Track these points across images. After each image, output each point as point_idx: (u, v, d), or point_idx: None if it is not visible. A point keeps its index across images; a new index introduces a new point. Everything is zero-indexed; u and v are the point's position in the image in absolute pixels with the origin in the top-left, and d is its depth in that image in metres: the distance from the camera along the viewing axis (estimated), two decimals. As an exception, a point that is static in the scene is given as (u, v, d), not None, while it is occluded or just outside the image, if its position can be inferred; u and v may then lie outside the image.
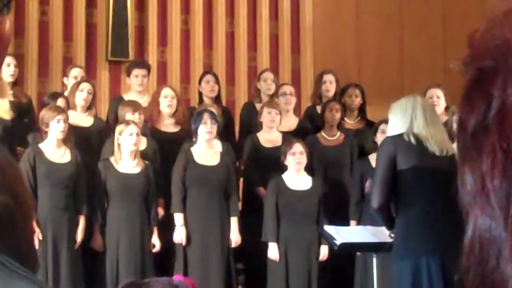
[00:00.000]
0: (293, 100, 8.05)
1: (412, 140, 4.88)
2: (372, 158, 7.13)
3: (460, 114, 0.63)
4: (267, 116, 7.55)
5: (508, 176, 0.57)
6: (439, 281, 4.58)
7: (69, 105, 7.31)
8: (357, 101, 8.21)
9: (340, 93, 8.31)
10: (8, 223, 1.17)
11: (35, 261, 1.20)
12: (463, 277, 0.61)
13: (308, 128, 8.03)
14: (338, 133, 7.81)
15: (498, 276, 0.57)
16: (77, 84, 7.50)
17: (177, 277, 2.89)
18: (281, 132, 7.62)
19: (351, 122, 8.18)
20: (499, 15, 0.61)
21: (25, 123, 7.31)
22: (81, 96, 7.37)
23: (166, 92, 7.57)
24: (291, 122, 8.00)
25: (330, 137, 7.78)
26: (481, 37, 0.62)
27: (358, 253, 6.94)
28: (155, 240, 6.82)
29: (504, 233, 0.57)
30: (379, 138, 7.14)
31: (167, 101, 7.49)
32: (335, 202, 7.26)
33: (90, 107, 7.48)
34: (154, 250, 6.81)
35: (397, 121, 5.09)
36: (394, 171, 4.86)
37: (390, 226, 5.04)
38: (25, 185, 1.28)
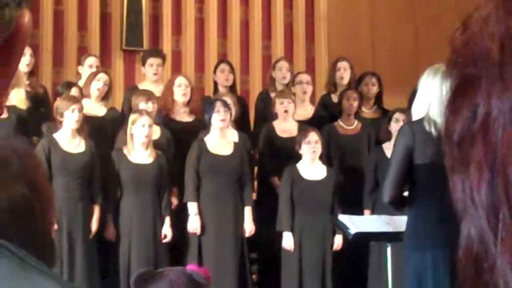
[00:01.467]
0: (309, 89, 8.04)
1: (432, 129, 4.51)
2: (386, 147, 7.12)
3: (445, 121, 0.61)
4: (279, 107, 7.54)
5: (495, 191, 0.56)
6: (446, 277, 4.50)
7: (83, 94, 7.31)
8: (374, 89, 8.19)
9: (357, 81, 8.29)
10: (25, 214, 1.17)
11: (53, 254, 1.20)
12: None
13: (324, 117, 8.01)
14: (356, 122, 7.80)
15: None
16: (95, 74, 7.50)
17: (191, 267, 2.90)
18: (297, 121, 7.60)
19: (367, 111, 8.17)
20: (478, 19, 0.60)
21: (41, 113, 7.32)
22: (97, 86, 7.37)
23: (180, 80, 7.57)
24: (307, 111, 7.99)
25: (348, 126, 7.77)
26: (463, 42, 0.60)
27: (372, 242, 6.93)
28: (167, 230, 6.82)
29: (494, 247, 0.56)
30: (393, 127, 7.12)
31: (181, 90, 7.49)
32: (352, 191, 7.25)
33: (105, 97, 7.48)
34: (166, 240, 6.81)
35: (418, 102, 4.67)
36: (410, 164, 4.58)
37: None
38: (45, 176, 1.28)
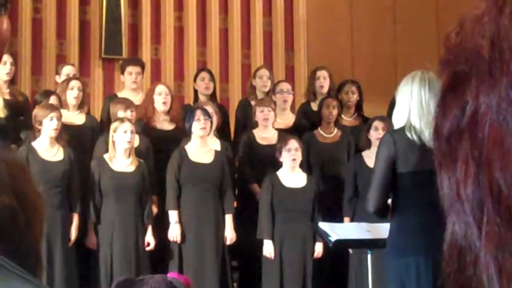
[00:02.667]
0: (290, 98, 8.07)
1: (413, 136, 4.50)
2: (366, 155, 7.15)
3: (435, 118, 0.62)
4: (260, 115, 7.56)
5: (480, 186, 0.56)
6: (429, 283, 4.51)
7: (61, 103, 7.29)
8: (354, 97, 8.22)
9: (337, 89, 8.32)
10: (9, 225, 1.17)
11: (38, 263, 1.19)
12: (444, 283, 0.62)
13: (304, 125, 8.04)
14: (335, 130, 7.82)
15: (475, 284, 0.57)
16: (66, 82, 7.46)
17: (172, 274, 2.89)
18: (277, 129, 7.62)
19: (347, 119, 8.19)
20: (471, 19, 0.61)
21: (20, 121, 7.29)
22: (72, 95, 7.35)
23: (160, 89, 7.57)
24: (288, 119, 8.02)
25: (327, 134, 7.79)
26: (456, 40, 0.62)
27: (350, 250, 6.95)
28: (149, 238, 6.81)
29: (478, 241, 0.57)
30: (373, 134, 7.16)
31: (161, 98, 7.48)
32: (332, 199, 7.27)
33: (81, 104, 7.46)
34: (148, 248, 6.80)
35: (397, 111, 4.66)
36: (393, 173, 4.57)
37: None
38: (34, 186, 1.27)
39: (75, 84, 7.41)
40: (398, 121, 4.68)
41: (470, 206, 0.57)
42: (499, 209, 0.55)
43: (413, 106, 4.56)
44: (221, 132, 7.68)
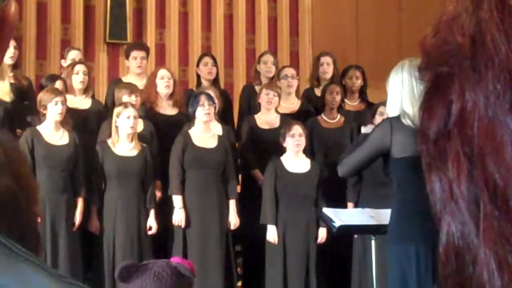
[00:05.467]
0: (294, 83, 8.06)
1: (409, 122, 4.55)
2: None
3: (420, 121, 0.62)
4: (265, 97, 7.56)
5: (474, 181, 0.56)
6: (429, 271, 4.53)
7: (67, 88, 7.29)
8: (358, 83, 8.22)
9: (341, 75, 8.32)
10: (11, 206, 1.17)
11: (38, 244, 1.20)
12: (441, 285, 0.61)
13: (310, 111, 8.03)
14: (338, 115, 7.82)
15: (475, 283, 0.57)
16: (72, 66, 7.46)
17: (175, 259, 2.90)
18: (282, 114, 7.62)
19: (352, 104, 8.19)
20: (448, 19, 0.60)
21: (25, 106, 7.29)
22: (78, 79, 7.35)
23: (163, 73, 7.56)
24: (293, 104, 8.02)
25: (331, 120, 7.79)
26: (434, 43, 0.61)
27: (355, 236, 6.95)
28: (152, 222, 6.82)
29: (476, 239, 0.57)
30: (378, 120, 7.13)
31: (164, 82, 7.48)
32: (335, 185, 7.27)
33: (87, 88, 7.46)
34: (151, 232, 6.81)
35: (390, 100, 4.73)
36: (378, 157, 4.73)
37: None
38: (29, 168, 1.28)
39: (80, 68, 7.41)
40: (392, 110, 4.75)
41: (465, 203, 0.57)
42: (496, 203, 0.55)
43: (405, 94, 4.63)
44: (224, 117, 7.68)
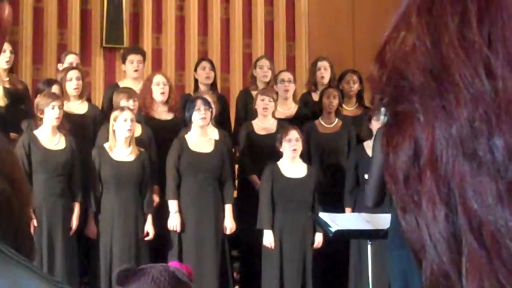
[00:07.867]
0: (291, 87, 8.07)
1: None
2: (367, 145, 7.14)
3: (385, 161, 0.58)
4: (260, 103, 7.56)
5: (452, 221, 0.54)
6: None
7: (63, 92, 7.28)
8: (355, 87, 8.23)
9: (338, 79, 8.32)
10: (4, 209, 1.17)
11: (32, 248, 1.19)
12: None
13: (307, 115, 8.04)
14: (336, 120, 7.82)
15: None
16: (65, 72, 7.44)
17: (173, 264, 2.90)
18: (279, 119, 7.63)
19: (349, 109, 8.20)
20: (401, 55, 0.57)
21: (19, 110, 7.29)
22: (71, 86, 7.33)
23: (158, 79, 7.55)
24: (290, 109, 8.02)
25: (328, 124, 7.79)
26: (385, 81, 0.58)
27: (352, 240, 6.95)
28: (149, 227, 6.81)
29: (459, 280, 0.55)
30: (374, 125, 7.14)
31: (159, 88, 7.47)
32: (332, 189, 7.27)
33: (82, 93, 7.44)
34: (148, 238, 6.81)
35: None
36: None
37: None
38: (22, 171, 1.27)
39: (73, 74, 7.37)
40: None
41: (445, 244, 0.54)
42: (481, 240, 0.53)
43: None
44: (221, 121, 7.67)
